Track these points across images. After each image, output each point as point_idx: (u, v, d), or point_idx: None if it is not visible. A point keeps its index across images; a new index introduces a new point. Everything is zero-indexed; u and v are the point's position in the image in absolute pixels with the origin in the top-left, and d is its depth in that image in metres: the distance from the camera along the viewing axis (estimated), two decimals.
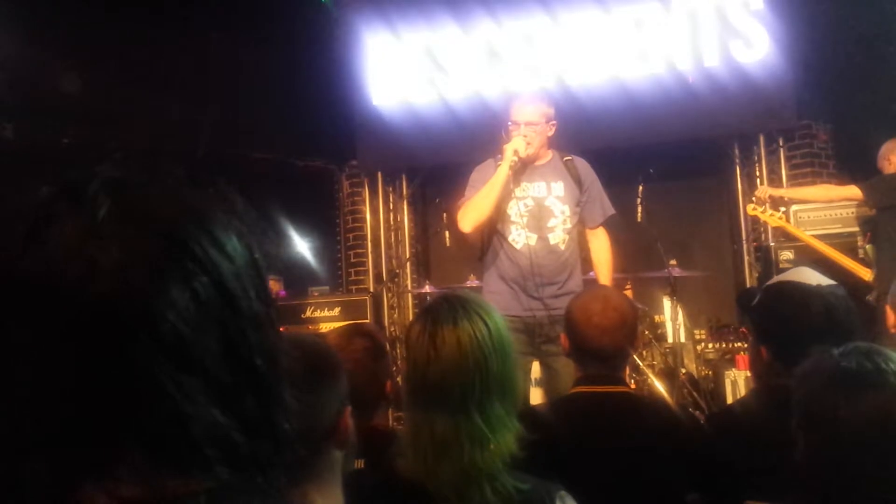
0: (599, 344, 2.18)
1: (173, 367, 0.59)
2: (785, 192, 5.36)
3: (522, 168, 3.69)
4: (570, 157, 3.87)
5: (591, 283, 3.86)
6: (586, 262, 3.99)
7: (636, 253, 5.11)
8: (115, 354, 0.58)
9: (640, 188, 5.01)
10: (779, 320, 1.95)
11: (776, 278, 2.16)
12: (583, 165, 3.87)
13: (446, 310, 1.59)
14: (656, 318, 5.44)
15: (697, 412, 4.51)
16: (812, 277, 2.00)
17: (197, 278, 0.62)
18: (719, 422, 2.38)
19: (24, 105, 5.59)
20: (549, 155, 3.82)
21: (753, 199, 5.10)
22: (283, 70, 6.12)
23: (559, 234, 3.72)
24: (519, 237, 3.71)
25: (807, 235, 5.04)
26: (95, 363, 0.58)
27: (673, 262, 4.93)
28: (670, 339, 5.18)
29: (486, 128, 4.87)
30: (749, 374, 4.77)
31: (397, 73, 6.59)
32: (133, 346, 0.58)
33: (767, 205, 5.06)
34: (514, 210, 3.71)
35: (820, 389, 1.41)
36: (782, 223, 5.04)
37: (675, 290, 4.90)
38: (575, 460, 1.84)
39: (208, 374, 0.61)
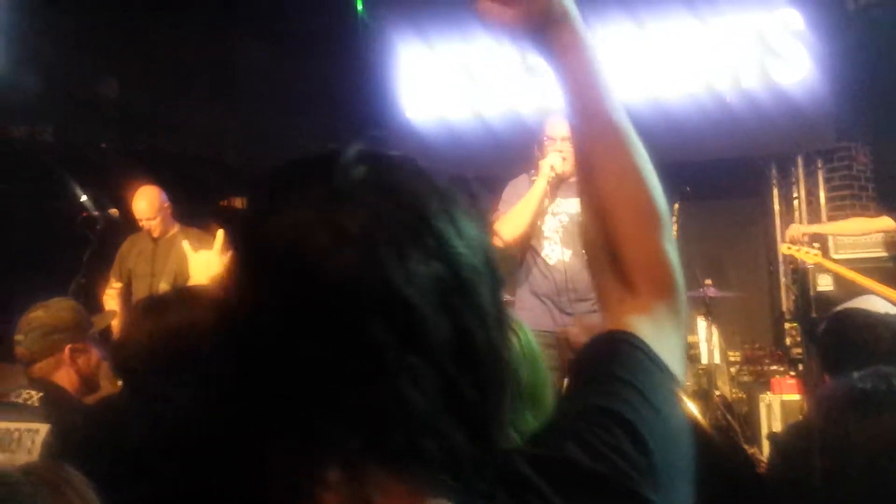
0: None
1: (402, 346, 0.56)
2: (818, 227, 5.27)
3: (557, 183, 3.66)
4: None
5: None
6: None
7: None
8: (346, 326, 0.55)
9: (676, 206, 4.94)
10: (847, 348, 1.91)
11: (843, 306, 2.13)
12: None
13: None
14: (689, 338, 5.35)
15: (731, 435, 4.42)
16: (880, 305, 1.97)
17: (437, 258, 0.59)
18: (784, 444, 2.33)
19: (63, 109, 5.67)
20: None
21: (787, 238, 4.99)
22: (316, 80, 6.14)
23: None
24: (553, 252, 3.68)
25: (845, 269, 4.90)
26: (326, 333, 0.55)
27: (708, 281, 4.85)
28: (704, 360, 5.08)
29: (520, 143, 4.84)
30: (784, 398, 4.69)
31: (431, 86, 6.58)
32: (365, 318, 0.55)
33: (804, 241, 4.95)
34: (549, 226, 3.69)
35: (834, 412, 1.39)
36: (819, 259, 4.92)
37: (710, 310, 4.81)
38: None
39: (434, 362, 0.57)
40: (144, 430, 1.48)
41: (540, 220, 3.68)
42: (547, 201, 3.65)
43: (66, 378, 2.45)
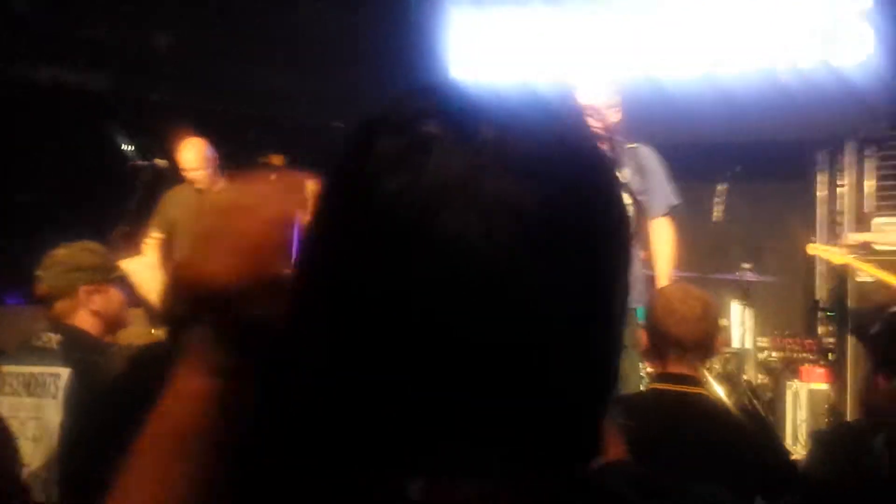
0: (678, 333, 2.16)
1: (531, 319, 0.52)
2: None
3: None
4: (634, 145, 3.77)
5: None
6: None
7: (706, 253, 5.00)
8: (483, 300, 0.51)
9: (721, 187, 4.88)
10: None
11: None
12: (646, 153, 3.78)
13: None
14: (722, 322, 5.30)
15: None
16: None
17: (573, 225, 0.54)
18: (825, 441, 2.35)
19: (116, 60, 5.73)
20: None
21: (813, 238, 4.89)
22: (367, 39, 6.12)
23: None
24: None
25: (875, 269, 4.71)
26: (462, 307, 0.51)
27: (746, 265, 4.80)
28: (736, 345, 5.05)
29: None
30: (812, 387, 4.63)
31: (479, 51, 6.51)
32: (503, 293, 0.51)
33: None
34: None
35: None
36: (846, 260, 4.78)
37: (747, 294, 4.76)
38: (643, 457, 1.82)
39: (559, 337, 0.53)
40: None
41: None
42: None
43: (85, 319, 2.47)
